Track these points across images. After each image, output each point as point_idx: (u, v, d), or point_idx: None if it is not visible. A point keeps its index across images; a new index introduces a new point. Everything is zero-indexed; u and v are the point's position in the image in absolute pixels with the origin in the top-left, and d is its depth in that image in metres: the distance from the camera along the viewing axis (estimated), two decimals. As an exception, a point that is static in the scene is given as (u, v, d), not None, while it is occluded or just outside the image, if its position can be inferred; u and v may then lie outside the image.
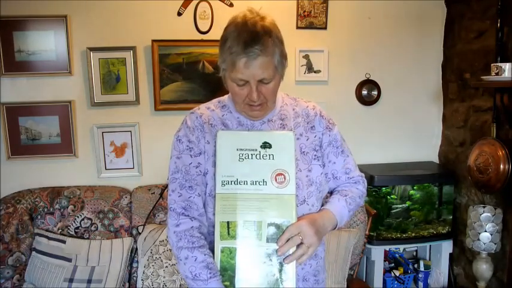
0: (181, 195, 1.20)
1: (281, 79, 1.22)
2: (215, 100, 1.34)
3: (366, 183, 1.39)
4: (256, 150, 1.13)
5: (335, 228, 1.25)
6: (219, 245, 1.10)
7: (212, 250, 1.15)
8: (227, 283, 1.09)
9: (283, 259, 1.10)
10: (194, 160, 1.22)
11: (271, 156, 1.13)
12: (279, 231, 1.10)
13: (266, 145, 1.14)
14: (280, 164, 1.13)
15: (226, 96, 1.32)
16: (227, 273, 1.10)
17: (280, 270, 1.10)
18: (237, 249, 1.10)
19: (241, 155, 1.13)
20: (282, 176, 1.12)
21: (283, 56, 1.19)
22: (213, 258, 1.15)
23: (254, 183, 1.12)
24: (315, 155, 1.27)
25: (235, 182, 1.12)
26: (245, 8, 1.20)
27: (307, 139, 1.28)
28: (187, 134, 1.25)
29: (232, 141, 1.14)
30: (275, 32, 1.16)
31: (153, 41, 2.47)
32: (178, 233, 1.17)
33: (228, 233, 1.10)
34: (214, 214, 1.13)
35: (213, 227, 1.21)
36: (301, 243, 1.11)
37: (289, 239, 1.10)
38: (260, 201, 1.10)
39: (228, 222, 1.10)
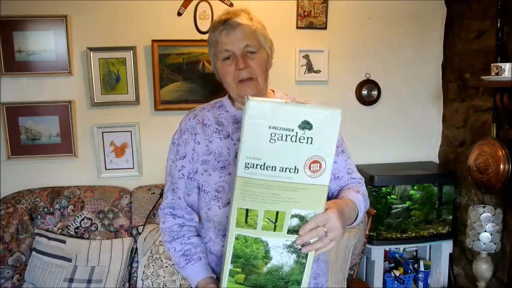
0: (167, 198, 1.32)
1: (270, 58, 1.25)
2: (213, 101, 1.36)
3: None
4: (292, 130, 0.93)
5: (352, 224, 1.17)
6: (233, 232, 0.99)
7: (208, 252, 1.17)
8: (238, 269, 1.03)
9: (301, 248, 1.00)
10: (179, 163, 1.28)
11: (309, 139, 0.94)
12: (302, 224, 0.99)
13: (306, 125, 0.93)
14: (318, 149, 0.94)
15: (223, 98, 1.34)
16: (240, 261, 1.02)
17: (297, 262, 1.02)
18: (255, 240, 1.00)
19: (273, 134, 0.93)
20: (318, 164, 0.95)
21: (266, 37, 1.24)
22: (199, 243, 1.27)
23: (284, 169, 0.94)
24: None
25: (262, 167, 0.94)
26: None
27: None
28: (178, 137, 1.31)
29: (264, 115, 0.92)
30: (254, 15, 1.23)
31: (153, 41, 2.47)
32: (163, 229, 1.32)
33: (246, 221, 0.98)
34: (232, 200, 1.01)
35: (209, 221, 1.25)
36: (325, 235, 1.00)
37: (312, 229, 0.99)
38: (288, 190, 0.96)
39: (247, 210, 0.97)
